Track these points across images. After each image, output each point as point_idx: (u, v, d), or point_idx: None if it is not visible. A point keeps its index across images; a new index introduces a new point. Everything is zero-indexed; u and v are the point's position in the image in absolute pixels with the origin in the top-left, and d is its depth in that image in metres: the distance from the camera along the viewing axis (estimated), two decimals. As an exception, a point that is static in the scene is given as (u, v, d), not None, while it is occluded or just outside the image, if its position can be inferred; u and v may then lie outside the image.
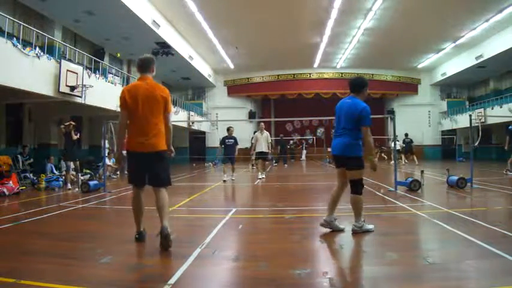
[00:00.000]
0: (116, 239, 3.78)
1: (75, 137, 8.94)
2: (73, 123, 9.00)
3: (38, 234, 4.05)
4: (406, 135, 17.63)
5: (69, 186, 8.60)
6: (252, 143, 10.92)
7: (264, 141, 10.21)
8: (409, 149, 17.22)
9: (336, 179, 4.00)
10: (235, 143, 9.99)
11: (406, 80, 25.08)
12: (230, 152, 9.86)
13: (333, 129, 4.10)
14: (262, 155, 10.35)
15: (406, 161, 17.19)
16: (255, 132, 13.43)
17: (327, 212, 3.90)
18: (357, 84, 3.93)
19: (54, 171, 10.40)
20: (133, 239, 3.54)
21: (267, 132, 10.54)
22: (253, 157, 11.01)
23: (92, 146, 14.99)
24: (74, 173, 9.18)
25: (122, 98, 3.45)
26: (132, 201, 3.59)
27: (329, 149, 22.61)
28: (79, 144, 9.58)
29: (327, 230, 3.90)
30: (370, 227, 3.89)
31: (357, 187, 3.75)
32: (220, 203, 6.88)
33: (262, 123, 10.65)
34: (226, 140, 9.94)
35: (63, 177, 9.15)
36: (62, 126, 8.94)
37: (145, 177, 3.46)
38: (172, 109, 3.58)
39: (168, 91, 3.61)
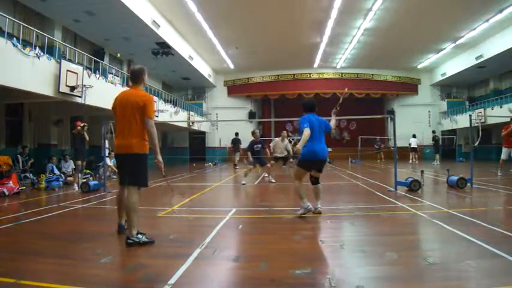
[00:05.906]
0: (116, 239, 3.78)
1: (87, 138, 9.15)
2: (85, 124, 9.06)
3: (38, 234, 4.05)
4: (433, 132, 18.42)
5: (75, 186, 8.51)
6: (270, 146, 11.16)
7: (282, 148, 10.37)
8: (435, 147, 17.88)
9: (304, 177, 4.85)
10: (263, 147, 9.95)
11: (406, 80, 25.08)
12: (260, 157, 9.73)
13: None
14: (278, 158, 10.63)
15: (438, 162, 17.20)
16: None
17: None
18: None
19: (55, 171, 10.40)
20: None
21: (287, 141, 10.61)
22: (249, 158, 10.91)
23: (92, 146, 14.95)
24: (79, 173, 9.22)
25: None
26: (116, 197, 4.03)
27: (330, 149, 22.63)
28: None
29: (327, 229, 3.93)
30: None
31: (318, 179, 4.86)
32: (220, 203, 6.89)
33: (285, 132, 10.75)
34: (255, 146, 9.68)
35: (72, 177, 9.18)
36: (75, 130, 8.96)
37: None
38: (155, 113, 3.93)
39: (148, 97, 3.66)
